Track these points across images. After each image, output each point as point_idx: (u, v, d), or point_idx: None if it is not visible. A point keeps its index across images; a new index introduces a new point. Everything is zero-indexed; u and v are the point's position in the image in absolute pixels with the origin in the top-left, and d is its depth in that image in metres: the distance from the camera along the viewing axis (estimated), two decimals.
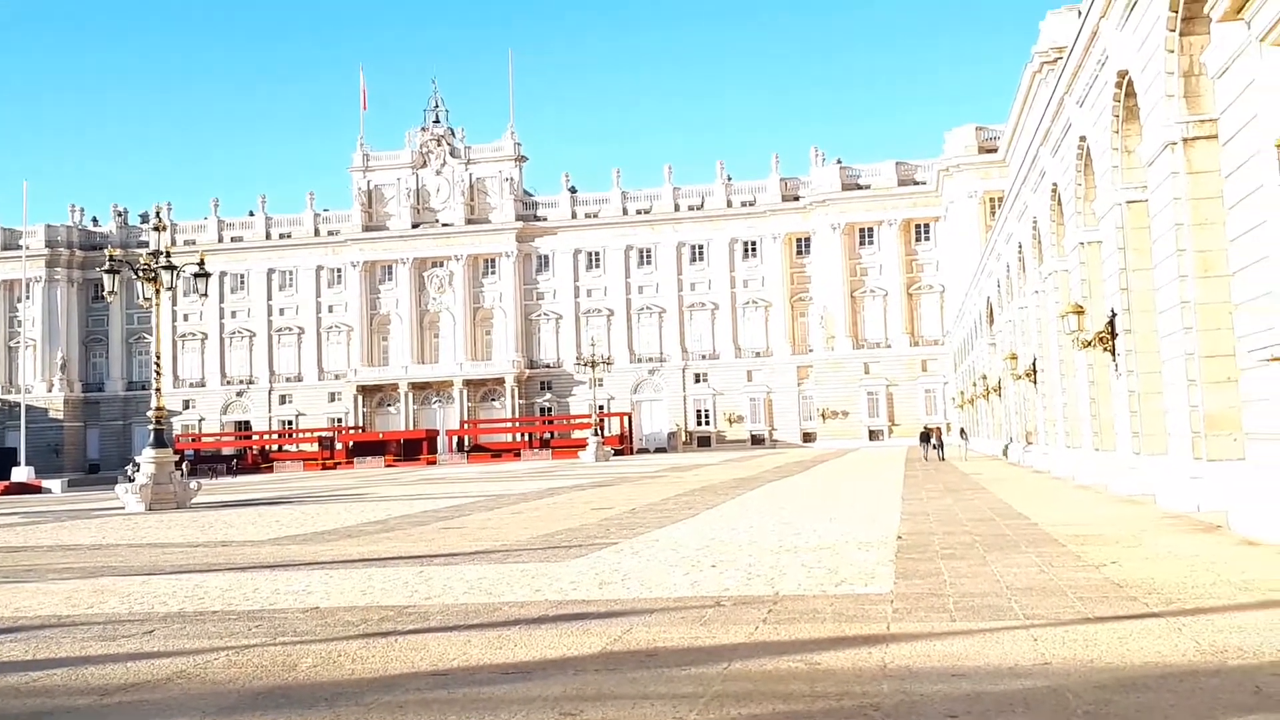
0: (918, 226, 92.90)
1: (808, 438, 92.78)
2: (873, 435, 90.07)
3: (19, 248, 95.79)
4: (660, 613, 9.03)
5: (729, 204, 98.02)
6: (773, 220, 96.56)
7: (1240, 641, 6.89)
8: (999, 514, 17.41)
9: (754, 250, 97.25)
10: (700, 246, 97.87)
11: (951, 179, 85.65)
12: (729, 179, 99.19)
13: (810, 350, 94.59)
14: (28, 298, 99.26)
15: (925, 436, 49.71)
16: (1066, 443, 27.75)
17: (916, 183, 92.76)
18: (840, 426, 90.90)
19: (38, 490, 56.79)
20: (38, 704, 6.66)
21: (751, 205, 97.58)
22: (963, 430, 59.94)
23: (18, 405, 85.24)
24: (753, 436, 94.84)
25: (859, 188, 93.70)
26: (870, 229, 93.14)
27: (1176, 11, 15.20)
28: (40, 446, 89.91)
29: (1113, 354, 21.21)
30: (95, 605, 10.92)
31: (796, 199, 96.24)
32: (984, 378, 53.24)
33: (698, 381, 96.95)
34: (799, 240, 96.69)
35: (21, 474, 63.90)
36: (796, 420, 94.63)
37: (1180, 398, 16.03)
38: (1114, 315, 20.68)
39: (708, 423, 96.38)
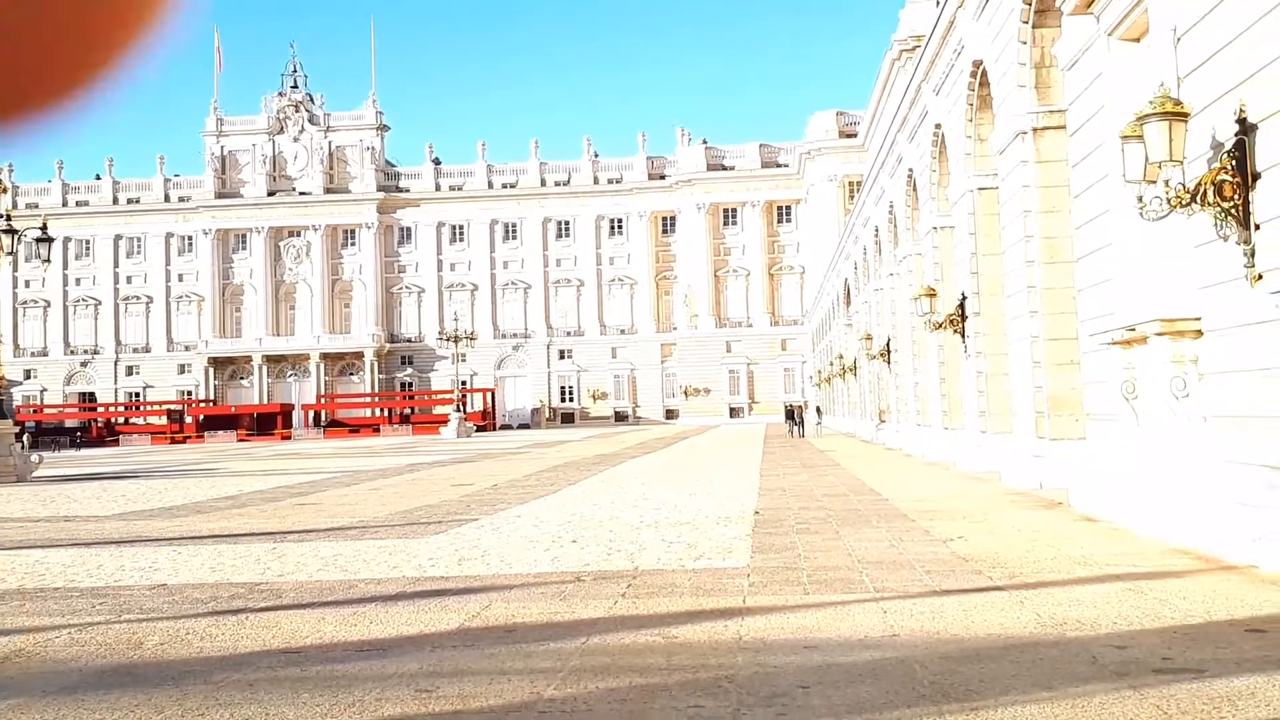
0: (780, 208, 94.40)
1: (670, 415, 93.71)
2: (734, 412, 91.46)
3: None
4: (520, 588, 9.01)
5: (596, 181, 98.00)
6: (639, 198, 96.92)
7: (1079, 614, 7.21)
8: (852, 490, 17.87)
9: (620, 228, 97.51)
10: (567, 223, 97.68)
11: (813, 162, 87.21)
12: (596, 156, 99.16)
13: (674, 328, 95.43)
14: None
15: (790, 414, 52.32)
16: (918, 421, 28.63)
17: (780, 165, 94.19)
18: (702, 404, 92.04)
19: None
20: None
21: (618, 183, 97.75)
22: (818, 408, 61.37)
23: None
24: (616, 413, 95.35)
25: (724, 168, 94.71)
26: (734, 209, 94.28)
27: (1030, 4, 15.73)
28: None
29: (963, 336, 21.93)
30: None
31: (663, 178, 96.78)
32: (840, 357, 54.50)
33: (562, 358, 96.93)
34: (665, 219, 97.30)
35: None
36: (660, 397, 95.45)
37: (1025, 378, 16.67)
38: (964, 298, 21.38)
39: (572, 399, 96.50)
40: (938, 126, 23.92)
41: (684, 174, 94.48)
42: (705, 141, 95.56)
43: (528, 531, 13.13)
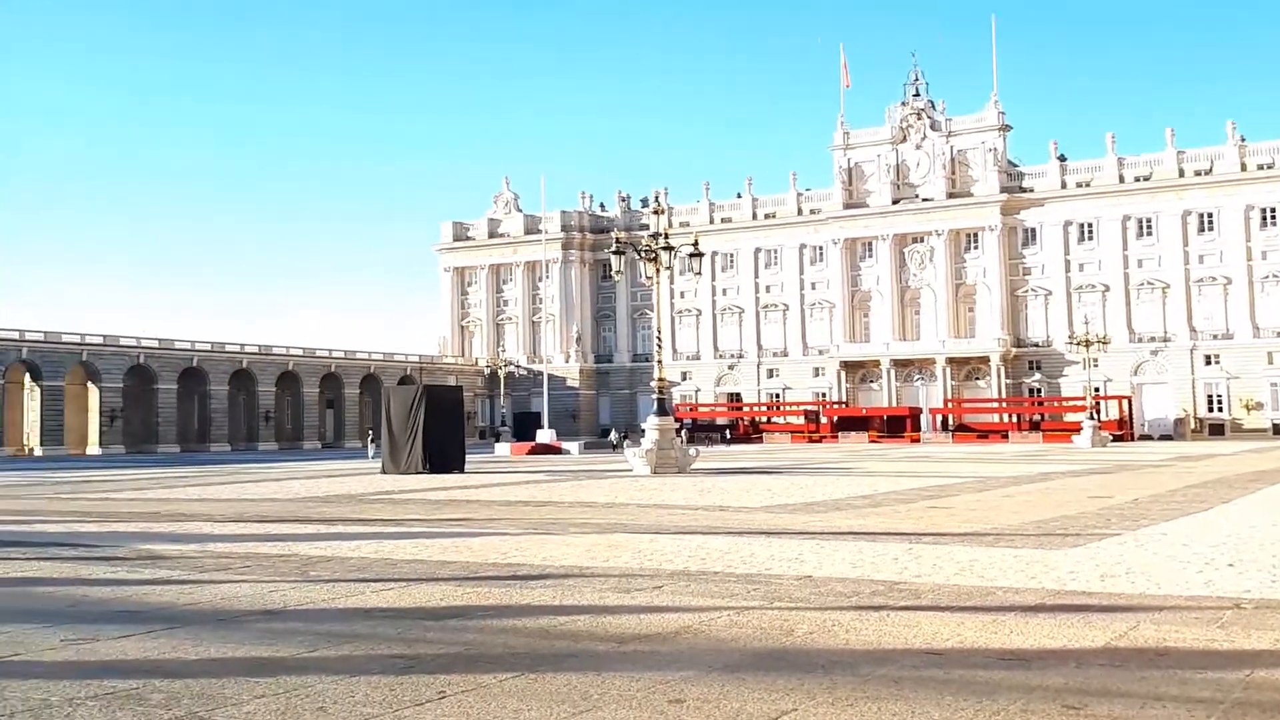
0: None
1: None
2: None
3: (539, 232, 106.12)
4: (1170, 610, 8.46)
5: (1243, 167, 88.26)
6: None
7: None
8: None
9: (1274, 218, 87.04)
10: (1209, 215, 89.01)
11: None
12: (1242, 140, 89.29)
13: None
14: (547, 277, 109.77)
15: None
16: None
17: None
18: None
19: (558, 451, 62.76)
20: (564, 646, 7.44)
21: (1271, 168, 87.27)
22: None
23: (540, 374, 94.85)
24: (1275, 426, 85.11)
25: None
26: None
27: None
28: (559, 411, 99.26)
29: None
30: (610, 559, 12.00)
31: None
32: None
33: (1208, 364, 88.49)
34: None
35: (545, 436, 70.96)
36: None
37: None
38: None
39: (1220, 409, 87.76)
40: None
41: None
42: None
43: (1175, 551, 12.24)
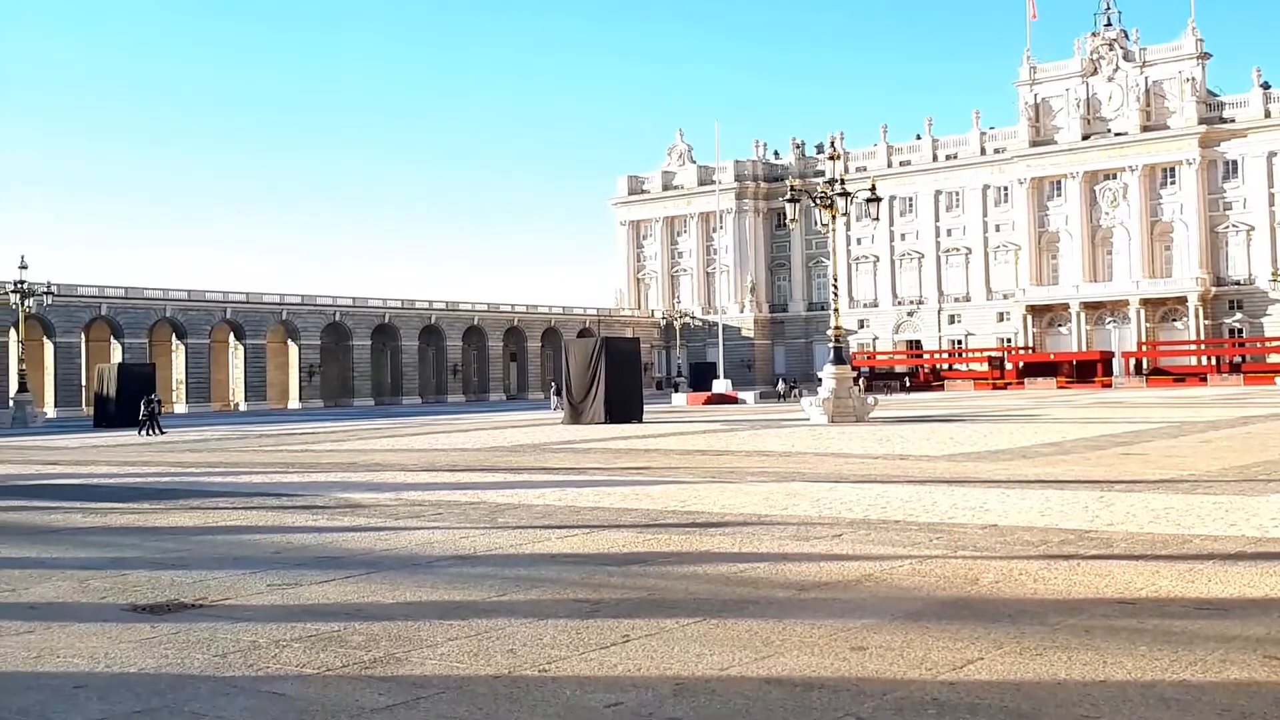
0: None
1: None
2: None
3: (713, 183, 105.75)
4: None
5: None
6: None
7: None
8: None
9: None
10: None
11: None
12: None
13: None
14: (721, 228, 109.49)
15: None
16: None
17: None
18: None
19: (734, 401, 62.90)
20: (744, 592, 7.53)
21: None
22: None
23: (716, 325, 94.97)
24: None
25: None
26: None
27: None
28: (734, 362, 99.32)
29: None
30: (789, 507, 12.02)
31: None
32: None
33: None
34: None
35: (721, 386, 71.24)
36: None
37: None
38: None
39: None
40: None
41: None
42: None
43: None
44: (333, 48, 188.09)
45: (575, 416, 35.94)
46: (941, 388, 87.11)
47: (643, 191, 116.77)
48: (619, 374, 36.55)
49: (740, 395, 65.56)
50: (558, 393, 53.14)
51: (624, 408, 36.13)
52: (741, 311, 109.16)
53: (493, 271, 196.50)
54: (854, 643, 5.99)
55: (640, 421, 35.86)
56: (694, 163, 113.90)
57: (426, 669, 5.73)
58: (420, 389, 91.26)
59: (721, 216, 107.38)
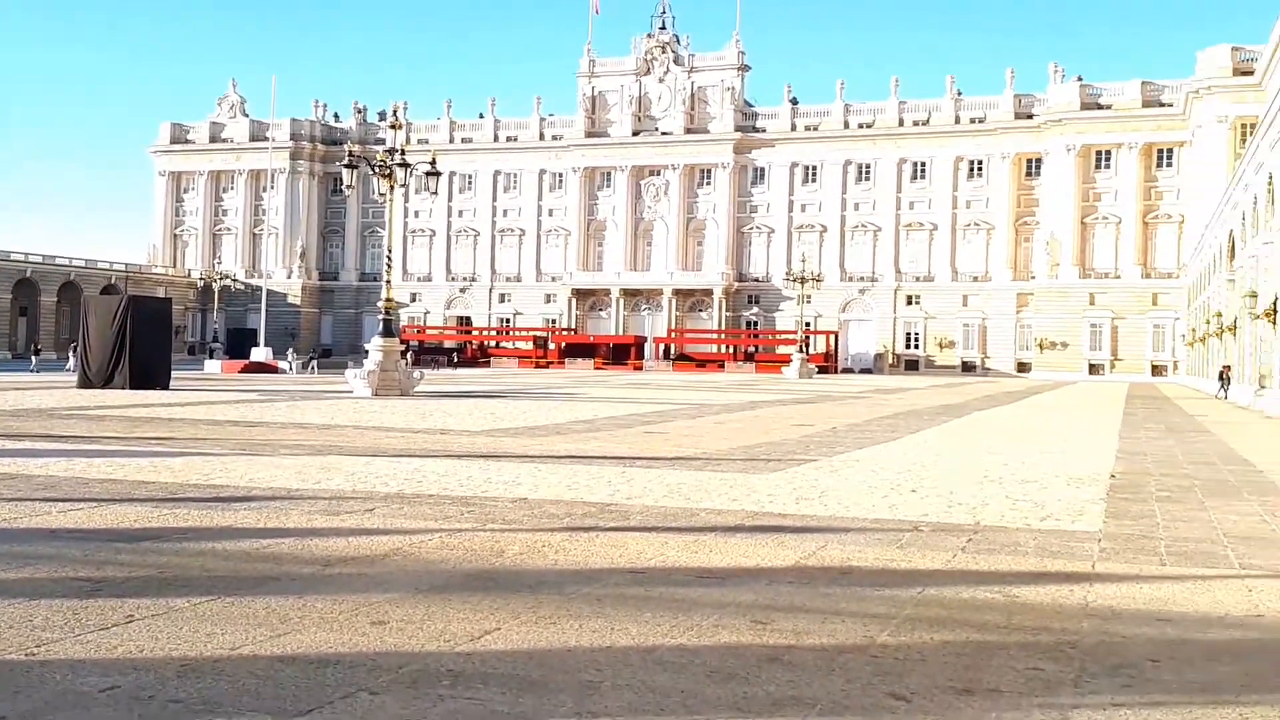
0: (1160, 151, 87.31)
1: (1022, 368, 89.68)
2: (1093, 369, 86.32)
3: (266, 139, 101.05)
4: (856, 532, 9.05)
5: (957, 120, 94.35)
6: (1002, 139, 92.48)
7: None
8: (1222, 458, 16.56)
9: (979, 170, 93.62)
10: (923, 164, 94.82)
11: (1201, 102, 79.93)
12: (959, 94, 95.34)
13: (1032, 277, 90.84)
14: (272, 187, 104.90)
15: (1221, 376, 47.11)
16: None
17: (1162, 104, 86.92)
18: (1058, 358, 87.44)
19: (274, 370, 60.60)
20: (266, 569, 7.22)
21: (981, 122, 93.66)
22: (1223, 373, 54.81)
23: (259, 289, 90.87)
24: (964, 363, 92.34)
25: (1099, 107, 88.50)
26: (1108, 152, 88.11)
27: None
28: (278, 329, 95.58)
29: None
30: (322, 481, 11.71)
31: (1030, 117, 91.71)
32: (1218, 315, 50.11)
33: (909, 304, 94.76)
34: (1029, 161, 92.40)
35: (261, 354, 68.22)
36: (1012, 349, 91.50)
37: None
38: None
39: (917, 346, 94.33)
40: None
41: (1054, 113, 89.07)
42: (1080, 79, 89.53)
43: (865, 477, 13.09)
44: None
45: (93, 380, 33.06)
46: (488, 364, 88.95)
47: (187, 141, 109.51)
48: (146, 336, 34.05)
49: (282, 365, 63.29)
50: (76, 354, 48.72)
51: (149, 373, 33.68)
52: (289, 277, 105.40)
53: (5, 218, 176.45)
54: (375, 617, 5.92)
55: (167, 388, 33.58)
56: (247, 116, 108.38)
57: None
58: None
59: (274, 176, 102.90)
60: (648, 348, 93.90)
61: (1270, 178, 33.56)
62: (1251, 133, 49.69)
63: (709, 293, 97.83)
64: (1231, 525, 9.69)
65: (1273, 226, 32.56)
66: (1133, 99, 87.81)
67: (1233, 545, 8.65)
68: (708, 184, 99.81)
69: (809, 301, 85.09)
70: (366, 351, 34.07)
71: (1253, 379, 37.22)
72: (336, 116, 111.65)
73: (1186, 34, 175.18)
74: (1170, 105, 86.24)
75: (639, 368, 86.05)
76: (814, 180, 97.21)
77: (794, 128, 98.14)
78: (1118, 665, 5.28)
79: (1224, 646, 5.63)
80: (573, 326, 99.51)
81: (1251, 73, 75.00)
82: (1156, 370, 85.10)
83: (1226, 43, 79.79)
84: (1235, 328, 43.74)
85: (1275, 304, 30.79)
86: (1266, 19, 63.31)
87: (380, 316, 34.18)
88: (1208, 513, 10.50)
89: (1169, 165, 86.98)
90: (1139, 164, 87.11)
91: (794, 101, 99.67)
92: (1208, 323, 55.18)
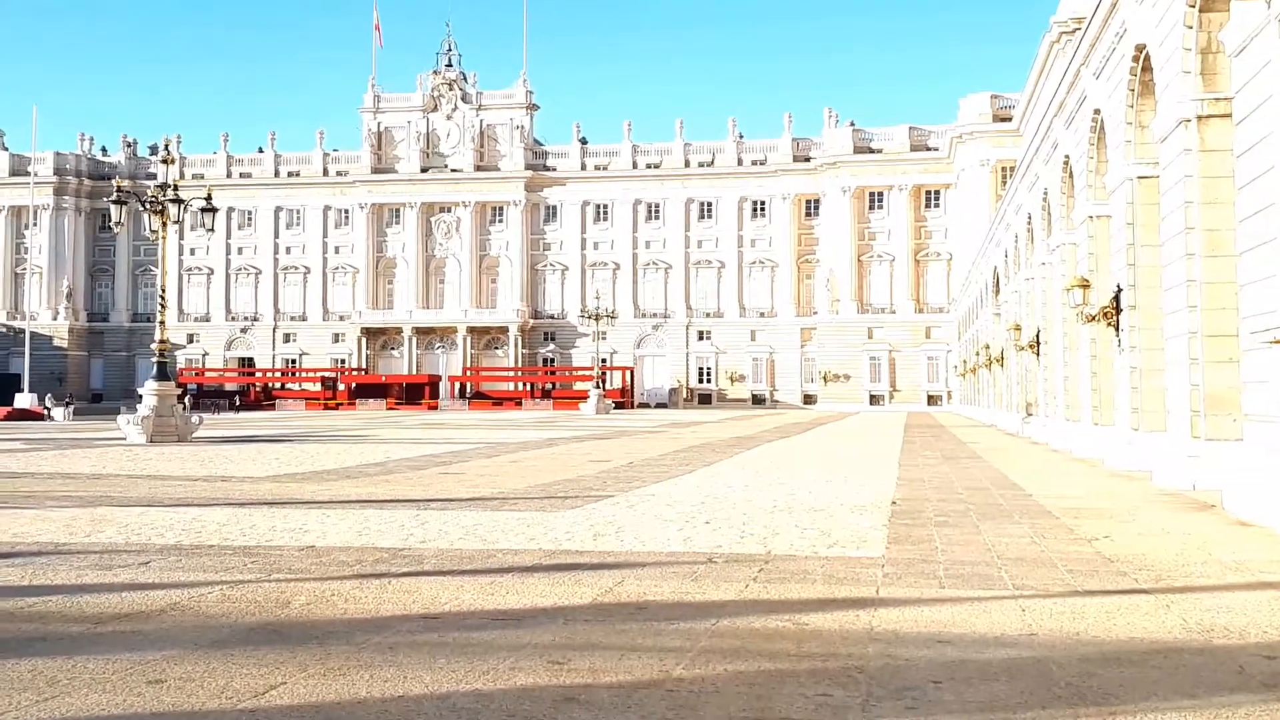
0: (928, 193, 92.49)
1: (808, 399, 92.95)
2: (874, 400, 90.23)
3: (28, 174, 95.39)
4: (652, 567, 9.10)
5: (740, 162, 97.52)
6: (783, 180, 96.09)
7: (1227, 621, 6.95)
8: (995, 484, 17.49)
9: (763, 210, 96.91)
10: (709, 204, 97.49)
11: (964, 146, 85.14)
12: (740, 137, 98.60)
13: (814, 313, 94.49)
14: (35, 225, 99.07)
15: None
16: (1066, 415, 27.78)
17: (929, 148, 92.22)
18: (842, 390, 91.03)
19: (40, 417, 57.01)
20: (31, 629, 6.74)
21: (762, 164, 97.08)
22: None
23: (23, 332, 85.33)
24: (754, 396, 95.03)
25: (871, 151, 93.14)
26: (880, 193, 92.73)
27: None
28: (44, 374, 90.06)
29: (1116, 329, 21.18)
30: (93, 534, 11.02)
31: (808, 160, 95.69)
32: (987, 347, 53.19)
33: (701, 339, 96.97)
34: (808, 202, 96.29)
35: (24, 400, 64.12)
36: (798, 382, 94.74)
37: (1181, 376, 16.03)
38: (1119, 291, 20.63)
39: (709, 380, 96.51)
40: (1096, 112, 23.08)
41: (830, 156, 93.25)
42: (853, 123, 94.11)
43: (661, 511, 13.22)
44: None
45: None
46: (273, 407, 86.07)
47: None
48: None
49: (49, 411, 59.59)
50: None
51: None
52: (55, 319, 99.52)
53: None
54: (151, 676, 5.58)
55: None
56: (5, 150, 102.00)
57: None
58: None
59: (37, 212, 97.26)
60: (443, 387, 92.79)
61: (1029, 218, 35.92)
62: (1011, 175, 53.18)
63: (504, 330, 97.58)
64: (1005, 547, 10.20)
65: (1033, 263, 34.82)
66: (901, 143, 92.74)
67: (1006, 567, 9.10)
68: (500, 221, 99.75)
69: (604, 338, 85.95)
70: (140, 396, 32.38)
71: (1020, 406, 39.55)
72: (105, 150, 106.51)
73: (951, 82, 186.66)
74: (936, 149, 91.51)
75: (434, 407, 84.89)
76: (606, 218, 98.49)
77: (584, 167, 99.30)
78: (902, 688, 5.46)
79: (1001, 665, 5.90)
80: (363, 366, 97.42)
81: (1010, 119, 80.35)
82: (932, 400, 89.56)
83: (987, 90, 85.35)
84: (1003, 359, 46.47)
85: (1038, 336, 32.85)
86: (1023, 69, 68.07)
87: (155, 359, 32.56)
88: (982, 536, 11.04)
89: (937, 206, 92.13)
90: (909, 205, 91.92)
91: (584, 141, 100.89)
92: (977, 354, 58.51)
